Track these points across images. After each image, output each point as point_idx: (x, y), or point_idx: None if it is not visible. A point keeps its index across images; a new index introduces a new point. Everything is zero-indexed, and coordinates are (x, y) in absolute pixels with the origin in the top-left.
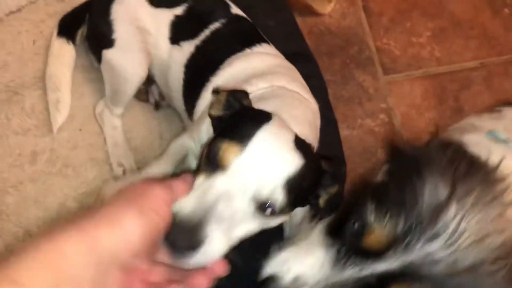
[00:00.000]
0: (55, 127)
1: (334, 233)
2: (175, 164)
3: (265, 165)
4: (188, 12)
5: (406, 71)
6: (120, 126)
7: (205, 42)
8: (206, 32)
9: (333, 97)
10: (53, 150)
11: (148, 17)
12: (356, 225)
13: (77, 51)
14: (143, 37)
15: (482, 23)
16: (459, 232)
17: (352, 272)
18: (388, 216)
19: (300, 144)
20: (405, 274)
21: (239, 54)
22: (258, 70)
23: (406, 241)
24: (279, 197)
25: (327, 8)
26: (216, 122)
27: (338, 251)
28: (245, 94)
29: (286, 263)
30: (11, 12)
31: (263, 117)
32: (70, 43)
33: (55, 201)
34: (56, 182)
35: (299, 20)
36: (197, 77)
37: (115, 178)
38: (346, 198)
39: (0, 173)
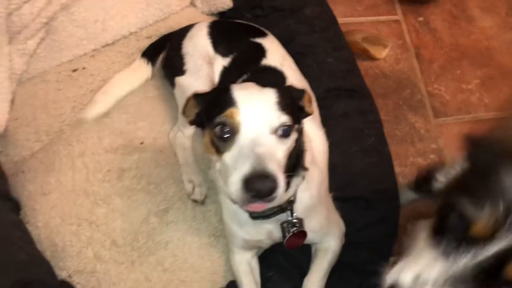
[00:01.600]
0: (81, 116)
1: (438, 235)
2: None
3: (258, 106)
4: (232, 63)
5: (456, 115)
6: (190, 146)
7: None
8: None
9: (387, 136)
10: (138, 168)
11: (213, 58)
12: (458, 220)
13: (161, 82)
14: (211, 70)
15: None
16: None
17: (467, 260)
18: (486, 204)
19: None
20: None
21: None
22: None
23: (508, 220)
24: (282, 117)
25: (382, 53)
26: (197, 119)
27: (447, 246)
28: (202, 92)
29: (403, 270)
30: (107, 45)
31: (226, 87)
32: (150, 64)
33: (139, 215)
34: (140, 197)
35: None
36: None
37: (188, 194)
38: (439, 202)
39: (91, 186)
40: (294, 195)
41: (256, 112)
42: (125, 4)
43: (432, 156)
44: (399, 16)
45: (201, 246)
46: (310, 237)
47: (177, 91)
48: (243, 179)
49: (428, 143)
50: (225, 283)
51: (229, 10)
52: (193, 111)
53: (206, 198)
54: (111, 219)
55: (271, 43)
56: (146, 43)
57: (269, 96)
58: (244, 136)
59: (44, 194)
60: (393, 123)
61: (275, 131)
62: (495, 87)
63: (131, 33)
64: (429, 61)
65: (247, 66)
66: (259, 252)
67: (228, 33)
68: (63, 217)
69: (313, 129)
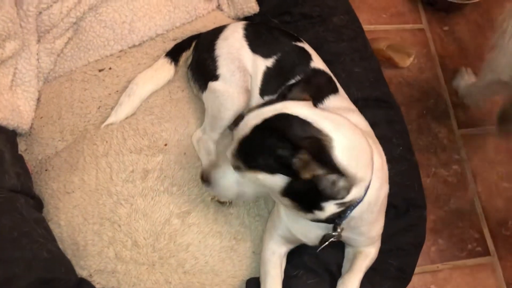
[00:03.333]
0: (106, 123)
1: None
2: None
3: None
4: (276, 65)
5: (480, 126)
6: (214, 151)
7: None
8: (283, 90)
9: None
10: (162, 170)
11: (249, 60)
12: None
13: (185, 83)
14: (244, 75)
15: None
16: None
17: None
18: None
19: None
20: None
21: None
22: None
23: None
24: None
25: (406, 62)
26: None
27: None
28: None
29: None
30: (134, 46)
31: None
32: (172, 64)
33: (161, 216)
34: (163, 199)
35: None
36: None
37: (212, 197)
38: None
39: (114, 186)
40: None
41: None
42: (152, 6)
43: (455, 167)
44: (424, 25)
45: (222, 249)
46: (362, 241)
47: (208, 95)
48: None
49: (451, 153)
50: (244, 286)
51: (256, 15)
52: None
53: (232, 202)
54: (133, 219)
55: (310, 48)
56: (172, 45)
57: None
58: None
59: (67, 192)
60: (416, 132)
61: None
62: None
63: (157, 35)
64: (453, 71)
65: (296, 68)
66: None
67: (267, 35)
68: (86, 216)
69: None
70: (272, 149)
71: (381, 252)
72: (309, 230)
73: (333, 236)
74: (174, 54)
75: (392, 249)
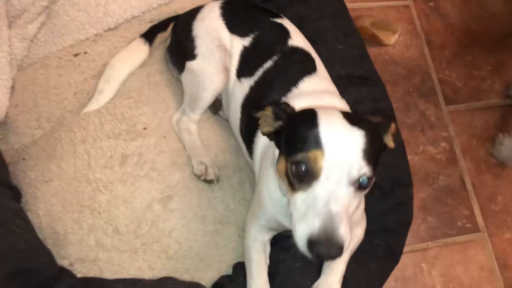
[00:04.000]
0: (86, 110)
1: None
2: None
3: (343, 153)
4: (253, 44)
5: (467, 102)
6: (196, 131)
7: (257, 83)
8: (259, 72)
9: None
10: (141, 154)
11: (227, 40)
12: None
13: (164, 66)
14: (224, 54)
15: None
16: None
17: None
18: None
19: (349, 116)
20: None
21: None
22: None
23: None
24: (365, 169)
25: (391, 39)
26: (273, 136)
27: None
28: (285, 104)
29: None
30: (110, 29)
31: (312, 115)
32: (147, 44)
33: (142, 202)
34: (144, 184)
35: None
36: (251, 122)
37: (199, 176)
38: None
39: (93, 172)
40: None
41: (340, 160)
42: None
43: (443, 144)
44: (408, 1)
45: (206, 233)
46: None
47: (186, 76)
48: (310, 238)
49: (439, 130)
50: (230, 270)
51: None
52: (269, 124)
53: (214, 184)
54: (113, 206)
55: (290, 24)
56: (148, 28)
57: (358, 141)
58: (323, 186)
59: (45, 181)
60: (403, 111)
61: (354, 183)
62: (507, 73)
63: (133, 17)
64: (439, 47)
65: (273, 47)
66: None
67: (244, 13)
68: (65, 205)
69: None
70: None
71: (368, 232)
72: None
73: None
74: (149, 35)
75: (379, 230)
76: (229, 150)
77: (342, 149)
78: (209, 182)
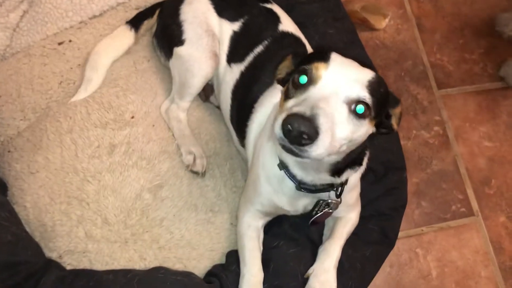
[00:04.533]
0: (76, 99)
1: None
2: None
3: (347, 72)
4: (243, 29)
5: (459, 86)
6: (185, 120)
7: (247, 68)
8: (250, 57)
9: None
10: (129, 144)
11: (216, 25)
12: None
13: (151, 53)
14: (212, 39)
15: None
16: None
17: None
18: None
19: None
20: None
21: (274, 87)
22: None
23: None
24: (365, 95)
25: (382, 23)
26: (285, 77)
27: None
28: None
29: None
30: (95, 16)
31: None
32: (133, 30)
33: (131, 191)
34: (132, 173)
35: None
36: (242, 107)
37: (187, 166)
38: None
39: (80, 163)
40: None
41: (342, 75)
42: None
43: (436, 128)
44: None
45: (198, 222)
46: (341, 210)
47: (174, 62)
48: (286, 115)
49: (432, 115)
50: (224, 259)
51: None
52: (285, 71)
53: (205, 172)
54: (102, 196)
55: (279, 9)
56: (134, 15)
57: (365, 73)
58: (318, 88)
59: (31, 173)
60: (395, 95)
61: (350, 103)
62: (499, 56)
63: (118, 4)
64: (431, 31)
65: (264, 32)
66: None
67: None
68: (52, 196)
69: None
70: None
71: (362, 217)
72: (296, 199)
73: (331, 202)
74: (134, 21)
75: (373, 214)
76: (220, 138)
77: (347, 69)
78: (195, 173)
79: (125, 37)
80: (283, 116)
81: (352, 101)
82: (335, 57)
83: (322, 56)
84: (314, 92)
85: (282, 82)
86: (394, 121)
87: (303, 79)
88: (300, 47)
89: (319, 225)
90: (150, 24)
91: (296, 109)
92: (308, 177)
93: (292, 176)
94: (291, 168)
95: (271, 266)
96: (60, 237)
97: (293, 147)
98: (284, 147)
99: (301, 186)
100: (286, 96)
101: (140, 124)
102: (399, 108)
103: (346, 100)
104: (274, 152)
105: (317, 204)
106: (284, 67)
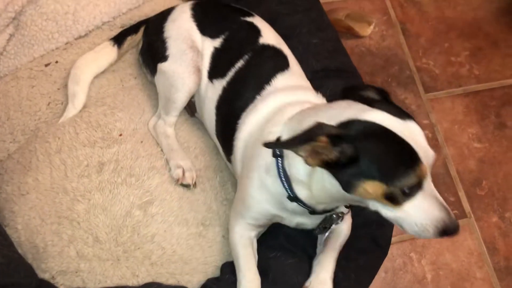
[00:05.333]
0: (65, 117)
1: None
2: None
3: (428, 150)
4: (224, 45)
5: (446, 88)
6: (173, 134)
7: (229, 83)
8: (231, 72)
9: None
10: (118, 161)
11: (199, 41)
12: None
13: (138, 70)
14: (195, 55)
15: None
16: None
17: None
18: None
19: (393, 111)
20: None
21: (255, 103)
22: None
23: None
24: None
25: (367, 31)
26: (332, 165)
27: None
28: (337, 128)
29: None
30: (80, 36)
31: (381, 130)
32: (115, 46)
33: (121, 209)
34: (122, 191)
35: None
36: (227, 123)
37: (177, 180)
38: None
39: (70, 182)
40: None
41: (428, 157)
42: None
43: (425, 131)
44: None
45: (189, 236)
46: None
47: (158, 78)
48: (441, 227)
49: (420, 119)
50: (218, 273)
51: None
52: (324, 154)
53: (196, 185)
54: (92, 215)
55: (261, 22)
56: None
57: (419, 129)
58: (427, 187)
59: (22, 194)
60: None
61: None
62: (485, 57)
63: (104, 23)
64: (415, 36)
65: (244, 46)
66: (259, 234)
67: (215, 13)
68: (43, 217)
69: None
70: None
71: (354, 227)
72: (292, 217)
73: (339, 217)
74: (118, 37)
75: (363, 223)
76: (209, 151)
77: (426, 148)
78: (186, 186)
79: (107, 53)
80: (434, 227)
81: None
82: (411, 141)
83: (407, 151)
84: (427, 191)
85: (326, 166)
86: None
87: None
88: (282, 60)
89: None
90: (134, 40)
91: (448, 220)
92: (320, 207)
93: (303, 205)
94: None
95: (270, 275)
96: (52, 258)
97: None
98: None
99: (312, 211)
100: (395, 202)
101: (128, 141)
102: None
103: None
104: (277, 182)
105: (328, 219)
106: (316, 150)
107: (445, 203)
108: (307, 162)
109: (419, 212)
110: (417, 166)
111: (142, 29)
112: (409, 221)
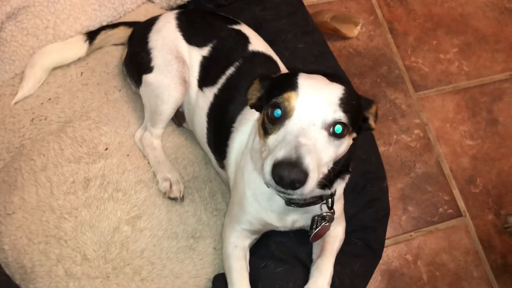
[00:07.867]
0: (16, 99)
1: None
2: None
3: (318, 97)
4: (212, 53)
5: (436, 86)
6: (160, 146)
7: (221, 90)
8: (222, 79)
9: None
10: (104, 176)
11: (186, 51)
12: None
13: (122, 82)
14: (181, 66)
15: (507, 37)
16: None
17: None
18: None
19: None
20: None
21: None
22: None
23: None
24: (340, 114)
25: (354, 32)
26: (257, 103)
27: None
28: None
29: None
30: None
31: (293, 73)
32: (87, 42)
33: (109, 225)
34: (109, 206)
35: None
36: (220, 128)
37: (164, 193)
38: None
39: (56, 200)
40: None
41: (314, 101)
42: (76, 6)
43: (416, 131)
44: None
45: (179, 250)
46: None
47: (144, 90)
48: (273, 163)
49: (411, 118)
50: (210, 285)
51: (189, 2)
52: (255, 94)
53: (184, 197)
54: (79, 232)
55: (248, 29)
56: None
57: (334, 90)
58: (294, 123)
59: (8, 214)
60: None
61: (328, 127)
62: (474, 53)
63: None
64: (403, 35)
65: (234, 54)
66: (252, 243)
67: (201, 22)
68: (30, 236)
69: None
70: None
71: (347, 232)
72: (285, 215)
73: (327, 215)
74: (91, 33)
75: (356, 228)
76: (198, 162)
77: (317, 93)
78: (174, 199)
79: (76, 46)
80: (270, 163)
81: (330, 125)
82: (302, 81)
83: (290, 82)
84: (291, 126)
85: (255, 106)
86: (371, 121)
87: (277, 112)
88: (273, 65)
89: (320, 239)
90: (108, 36)
91: (281, 155)
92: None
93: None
94: None
95: (259, 286)
96: (40, 278)
97: (285, 191)
98: (276, 190)
99: (290, 201)
100: (265, 131)
101: (114, 155)
102: (374, 107)
103: (324, 125)
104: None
105: (313, 221)
106: (254, 91)
107: (300, 146)
108: (249, 102)
109: (273, 144)
110: (286, 92)
111: (120, 27)
112: (265, 153)
